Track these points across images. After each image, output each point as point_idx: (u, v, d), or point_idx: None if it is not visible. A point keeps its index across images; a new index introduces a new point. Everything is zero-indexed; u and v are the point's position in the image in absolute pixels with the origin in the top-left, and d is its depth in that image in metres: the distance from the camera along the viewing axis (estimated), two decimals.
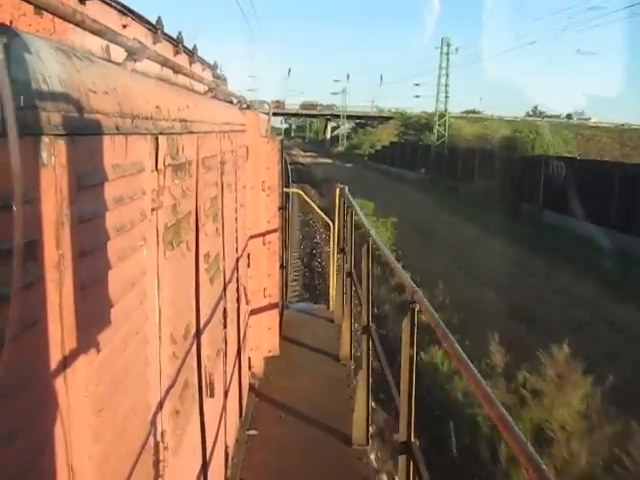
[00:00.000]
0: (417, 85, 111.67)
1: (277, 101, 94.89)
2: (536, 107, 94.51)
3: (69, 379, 1.46)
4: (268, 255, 6.76)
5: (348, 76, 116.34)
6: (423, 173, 51.78)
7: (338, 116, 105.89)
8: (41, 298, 1.32)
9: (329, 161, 76.42)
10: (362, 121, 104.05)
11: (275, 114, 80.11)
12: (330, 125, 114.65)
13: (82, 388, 1.54)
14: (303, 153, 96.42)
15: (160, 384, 2.37)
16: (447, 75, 65.07)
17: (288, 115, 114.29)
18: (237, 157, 4.90)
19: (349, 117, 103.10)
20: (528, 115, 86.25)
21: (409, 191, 42.94)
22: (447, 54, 64.33)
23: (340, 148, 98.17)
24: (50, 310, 1.37)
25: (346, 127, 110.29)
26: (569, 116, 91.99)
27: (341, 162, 74.34)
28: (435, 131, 62.80)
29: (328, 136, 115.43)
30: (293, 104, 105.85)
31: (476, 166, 40.62)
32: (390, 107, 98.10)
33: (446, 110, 65.09)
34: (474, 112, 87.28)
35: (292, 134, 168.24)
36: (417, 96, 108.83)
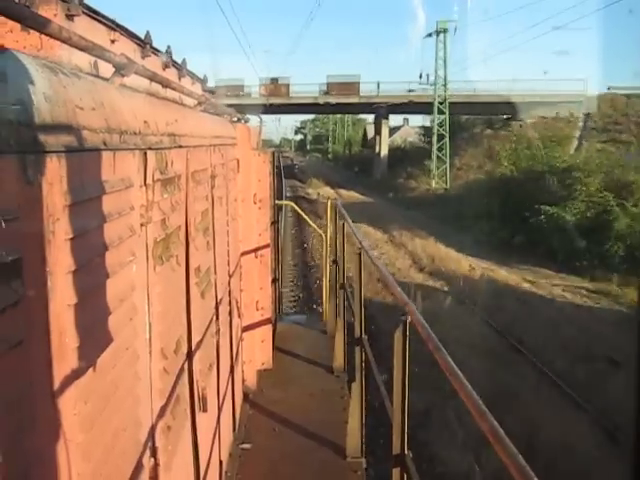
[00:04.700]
0: None
1: (274, 80, 53.42)
2: None
3: (57, 397, 1.45)
4: (260, 268, 6.74)
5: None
6: None
7: (403, 107, 52.82)
8: (27, 316, 1.31)
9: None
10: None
11: (267, 111, 45.81)
12: (386, 127, 57.87)
13: (70, 406, 1.53)
14: (330, 190, 46.59)
15: (151, 400, 2.35)
16: None
17: (297, 110, 62.33)
18: (228, 170, 4.90)
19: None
20: None
21: None
22: None
23: (436, 184, 47.17)
24: (37, 328, 1.36)
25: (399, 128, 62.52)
26: None
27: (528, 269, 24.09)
28: None
29: (384, 151, 57.46)
30: (307, 85, 56.46)
31: None
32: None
33: None
34: None
35: (308, 146, 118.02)
36: None
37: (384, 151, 57.84)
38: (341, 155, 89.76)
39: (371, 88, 54.22)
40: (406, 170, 52.28)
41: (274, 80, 53.92)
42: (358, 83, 53.33)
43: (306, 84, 57.65)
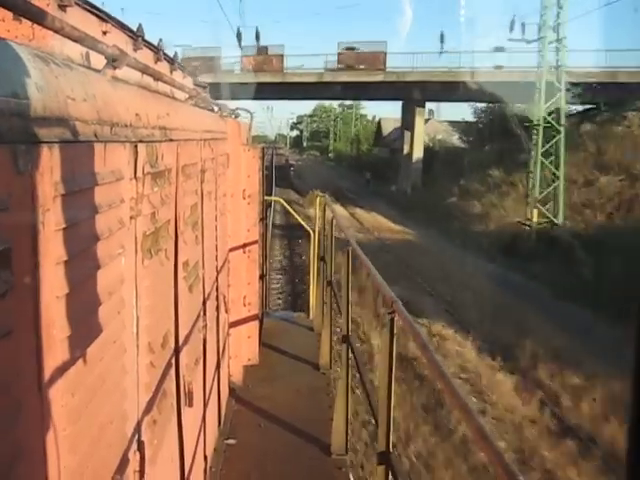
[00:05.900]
0: None
1: (262, 50, 37.99)
2: None
3: (44, 389, 1.44)
4: (248, 263, 6.73)
5: None
6: None
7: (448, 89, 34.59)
8: (16, 307, 1.30)
9: None
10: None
11: (254, 94, 32.92)
12: (421, 119, 40.06)
13: (58, 398, 1.52)
14: (342, 210, 30.12)
15: (138, 394, 2.34)
16: None
17: (293, 93, 39.93)
18: (218, 165, 4.89)
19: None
20: None
21: None
22: None
23: (537, 214, 26.21)
24: (25, 319, 1.35)
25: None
26: None
27: None
28: None
29: (418, 153, 39.80)
30: (309, 57, 38.19)
31: None
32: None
33: None
34: None
35: (305, 144, 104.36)
36: None
37: (417, 153, 38.79)
38: (345, 155, 74.88)
39: (397, 63, 35.26)
40: (458, 183, 33.31)
41: (262, 50, 37.93)
42: (384, 54, 35.67)
43: (308, 55, 39.40)
